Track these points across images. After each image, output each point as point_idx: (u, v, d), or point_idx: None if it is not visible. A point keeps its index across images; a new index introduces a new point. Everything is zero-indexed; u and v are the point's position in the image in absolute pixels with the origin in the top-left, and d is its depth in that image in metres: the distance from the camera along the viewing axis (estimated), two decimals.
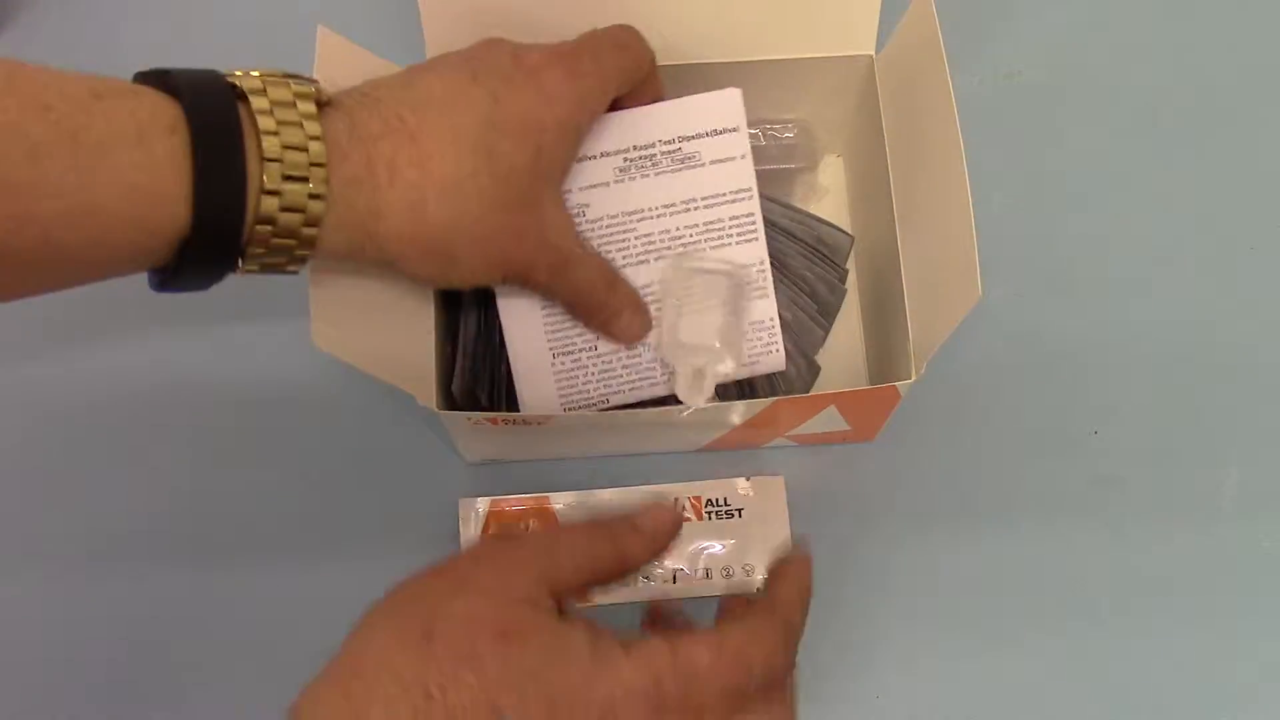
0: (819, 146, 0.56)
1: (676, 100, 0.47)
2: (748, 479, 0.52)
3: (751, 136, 0.55)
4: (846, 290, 0.53)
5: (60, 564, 0.52)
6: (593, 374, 0.47)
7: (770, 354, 0.49)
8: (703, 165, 0.47)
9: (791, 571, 0.38)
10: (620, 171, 0.46)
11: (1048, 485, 0.53)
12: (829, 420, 0.49)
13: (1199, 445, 0.54)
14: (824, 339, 0.52)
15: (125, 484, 0.53)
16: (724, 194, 0.47)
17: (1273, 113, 0.61)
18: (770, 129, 0.55)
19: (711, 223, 0.47)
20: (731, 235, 0.47)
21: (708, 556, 0.51)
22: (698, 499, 0.52)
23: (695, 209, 0.47)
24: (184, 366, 0.55)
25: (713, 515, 0.52)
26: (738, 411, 0.47)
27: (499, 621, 0.33)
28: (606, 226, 0.47)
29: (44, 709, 0.49)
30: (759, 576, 0.51)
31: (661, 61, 0.50)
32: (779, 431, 0.52)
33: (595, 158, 0.46)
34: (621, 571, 0.37)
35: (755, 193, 0.47)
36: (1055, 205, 0.58)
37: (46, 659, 0.50)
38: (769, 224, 0.51)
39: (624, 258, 0.47)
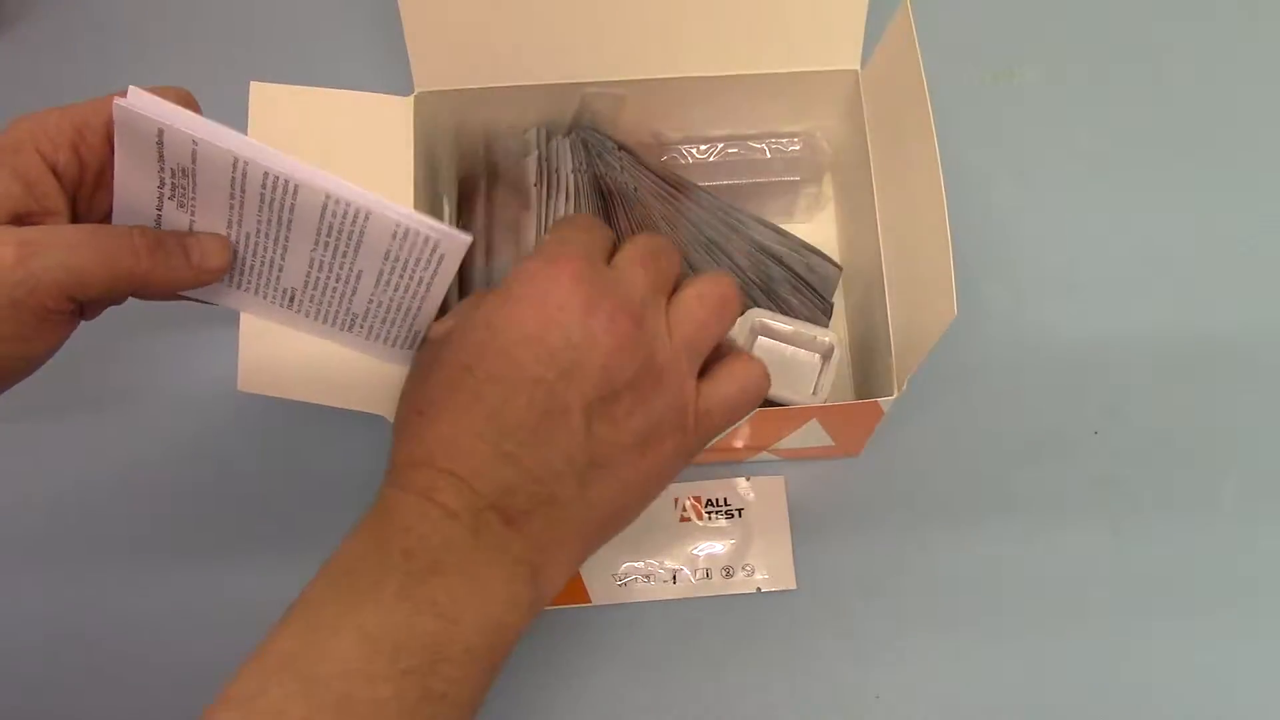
0: (823, 160, 0.56)
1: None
2: (748, 479, 0.52)
3: (756, 150, 0.55)
4: (829, 322, 0.53)
5: (60, 564, 0.52)
6: None
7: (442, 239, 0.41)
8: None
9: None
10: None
11: (1048, 485, 0.53)
12: (813, 435, 0.49)
13: (1199, 445, 0.54)
14: None
15: (125, 485, 0.53)
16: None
17: (1273, 112, 0.61)
18: (776, 142, 0.55)
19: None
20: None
21: (708, 556, 0.51)
22: (698, 499, 0.52)
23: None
24: (183, 369, 0.55)
25: (713, 515, 0.52)
26: None
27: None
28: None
29: (44, 709, 0.49)
30: (760, 576, 0.51)
31: (658, 75, 0.50)
32: (762, 445, 0.51)
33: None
34: None
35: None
36: (1055, 205, 0.58)
37: (47, 659, 0.50)
38: (760, 248, 0.51)
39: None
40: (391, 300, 0.41)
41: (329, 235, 0.39)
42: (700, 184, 0.53)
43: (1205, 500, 0.53)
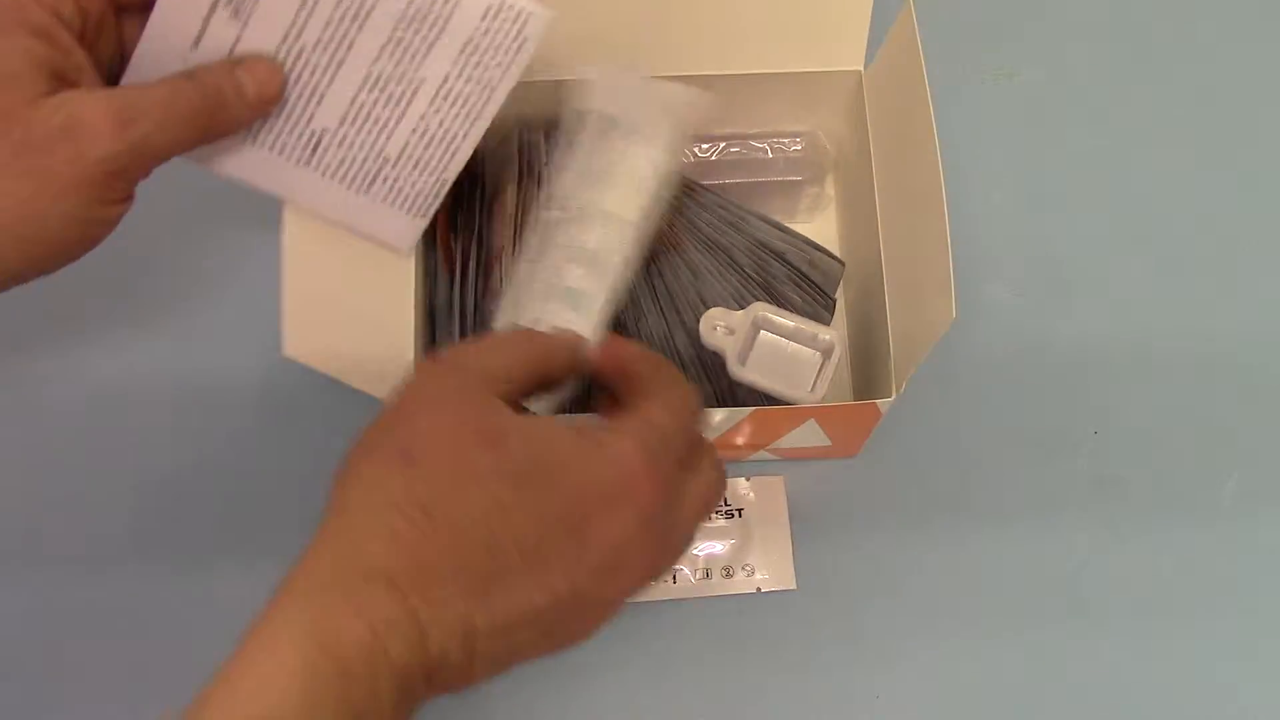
0: (825, 160, 0.56)
1: None
2: (748, 479, 0.52)
3: (758, 149, 0.55)
4: (832, 318, 0.53)
5: (61, 564, 0.51)
6: None
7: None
8: None
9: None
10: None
11: (1048, 485, 0.53)
12: (810, 435, 0.49)
13: (1199, 445, 0.54)
14: None
15: (125, 486, 0.53)
16: None
17: (1273, 113, 0.61)
18: (778, 141, 0.55)
19: None
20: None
21: (707, 557, 0.51)
22: None
23: None
24: (183, 369, 0.55)
25: (713, 515, 0.52)
26: (716, 420, 0.47)
27: (473, 427, 0.33)
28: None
29: (44, 709, 0.49)
30: (760, 576, 0.51)
31: (661, 73, 0.50)
32: (760, 444, 0.51)
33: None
34: (565, 369, 0.37)
35: None
36: (1055, 205, 0.58)
37: (46, 659, 0.50)
38: (761, 245, 0.51)
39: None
40: (441, 123, 0.41)
41: (411, 21, 0.39)
42: (702, 183, 0.53)
43: (1205, 500, 0.53)
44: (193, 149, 0.38)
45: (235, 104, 0.38)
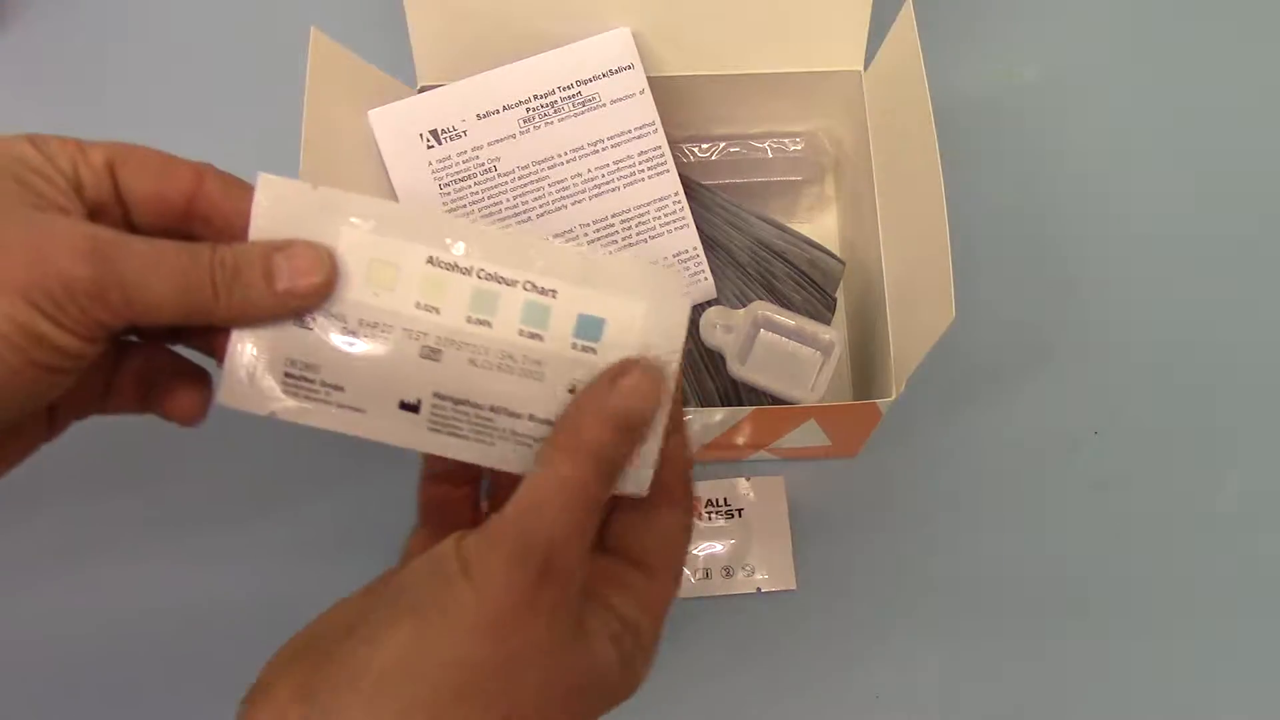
0: (825, 160, 0.56)
1: (568, 46, 0.48)
2: (748, 479, 0.52)
3: (758, 149, 0.55)
4: (832, 317, 0.53)
5: (61, 563, 0.52)
6: None
7: (699, 282, 0.50)
8: (603, 106, 0.48)
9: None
10: (524, 122, 0.48)
11: (1048, 485, 0.53)
12: (810, 435, 0.49)
13: (1199, 445, 0.54)
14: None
15: (126, 484, 0.53)
16: (628, 131, 0.49)
17: (1273, 113, 0.61)
18: (778, 141, 0.55)
19: (621, 161, 0.49)
20: (643, 171, 0.49)
21: (707, 557, 0.51)
22: (697, 499, 0.52)
23: (603, 149, 0.48)
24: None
25: (713, 515, 0.52)
26: (716, 420, 0.47)
27: (573, 684, 0.31)
28: (519, 179, 0.48)
29: (43, 708, 0.49)
30: (760, 576, 0.51)
31: (661, 73, 0.51)
32: (760, 444, 0.52)
33: (498, 111, 0.48)
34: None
35: (659, 126, 0.49)
36: (1055, 205, 0.58)
37: (46, 658, 0.50)
38: (762, 244, 0.51)
39: (541, 206, 0.48)
40: None
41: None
42: (702, 183, 0.53)
43: (1205, 501, 0.53)
44: (187, 324, 0.31)
45: (256, 285, 0.31)
